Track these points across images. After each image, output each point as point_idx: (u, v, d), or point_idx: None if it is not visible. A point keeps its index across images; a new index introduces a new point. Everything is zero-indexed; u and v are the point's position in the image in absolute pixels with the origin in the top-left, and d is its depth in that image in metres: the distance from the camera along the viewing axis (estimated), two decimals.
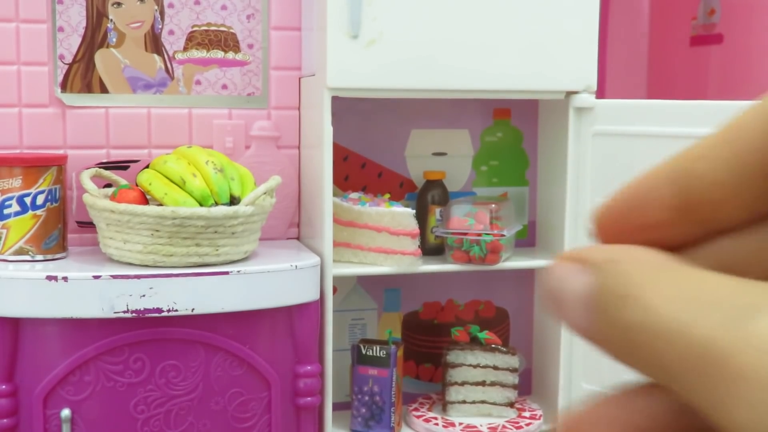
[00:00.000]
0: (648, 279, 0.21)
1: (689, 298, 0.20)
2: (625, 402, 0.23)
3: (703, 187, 0.23)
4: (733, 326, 0.19)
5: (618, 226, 0.25)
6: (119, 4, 1.71)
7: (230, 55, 1.77)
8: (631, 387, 0.23)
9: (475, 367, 1.75)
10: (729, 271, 0.23)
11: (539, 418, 1.75)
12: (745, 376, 0.18)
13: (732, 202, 0.23)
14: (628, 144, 1.58)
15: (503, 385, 1.76)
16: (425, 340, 1.91)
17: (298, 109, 1.80)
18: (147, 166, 1.58)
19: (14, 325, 1.42)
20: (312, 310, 1.56)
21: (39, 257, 1.53)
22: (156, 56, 1.74)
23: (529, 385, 1.95)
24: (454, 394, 1.76)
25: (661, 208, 0.24)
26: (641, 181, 0.25)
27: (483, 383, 1.75)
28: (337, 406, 1.73)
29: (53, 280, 1.40)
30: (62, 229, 1.56)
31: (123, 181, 1.61)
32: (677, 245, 0.24)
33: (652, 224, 0.24)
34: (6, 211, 1.52)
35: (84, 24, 1.69)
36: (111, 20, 1.70)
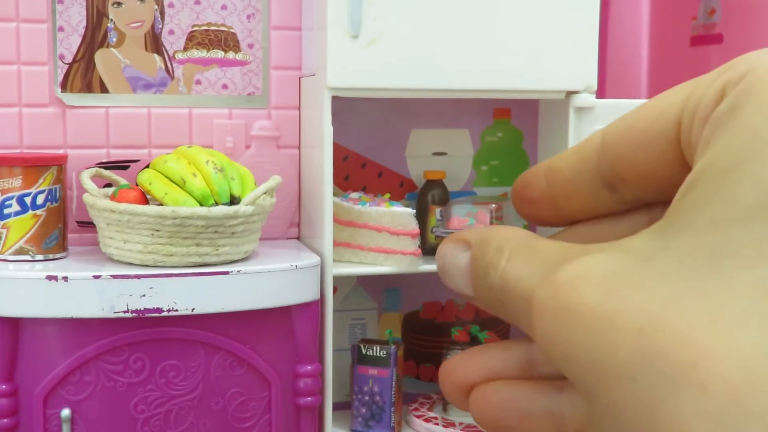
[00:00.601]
0: (504, 251, 0.27)
1: (527, 261, 0.26)
2: (486, 350, 0.30)
3: (558, 180, 0.30)
4: (543, 276, 0.24)
5: (517, 196, 0.33)
6: (119, 3, 1.71)
7: (230, 54, 1.77)
8: (497, 342, 0.30)
9: None
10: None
11: None
12: (538, 308, 0.24)
13: (575, 196, 0.30)
14: None
15: None
16: (425, 340, 1.91)
17: (299, 108, 1.80)
18: (147, 166, 1.58)
19: (14, 325, 1.42)
20: (312, 310, 1.56)
21: (39, 257, 1.53)
22: (156, 56, 1.74)
23: None
24: None
25: (536, 189, 0.31)
26: (534, 167, 0.32)
27: None
28: (337, 406, 1.72)
29: (53, 280, 1.40)
30: (62, 229, 1.56)
31: (123, 181, 1.61)
32: (550, 222, 0.32)
33: (532, 201, 0.32)
34: (6, 211, 1.52)
35: (84, 24, 1.69)
36: (111, 20, 1.70)
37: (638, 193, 0.28)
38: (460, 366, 0.30)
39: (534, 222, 0.33)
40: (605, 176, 0.28)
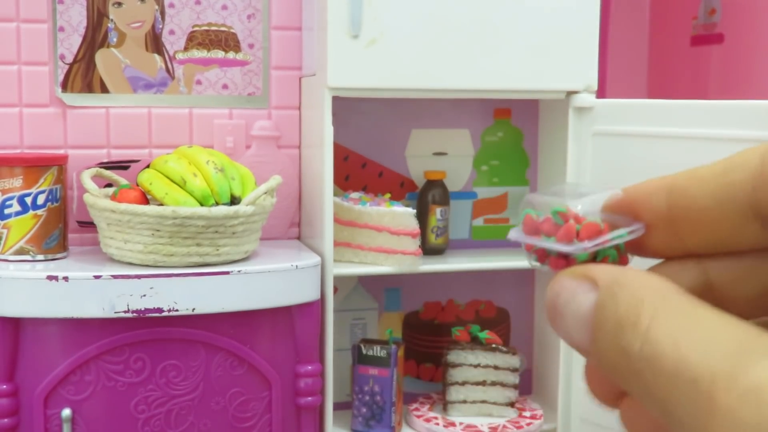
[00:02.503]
0: (646, 305, 0.22)
1: (692, 336, 0.20)
2: None
3: (690, 206, 0.25)
4: (728, 369, 0.19)
5: (623, 210, 0.27)
6: (120, 3, 1.71)
7: (231, 54, 1.77)
8: None
9: (475, 366, 1.75)
10: (713, 289, 0.25)
11: (540, 418, 1.75)
12: (723, 416, 0.19)
13: (709, 226, 0.25)
14: (627, 144, 1.58)
15: (504, 385, 1.76)
16: (426, 340, 1.91)
17: (299, 108, 1.80)
18: (147, 166, 1.58)
19: (15, 324, 1.43)
20: (313, 310, 1.56)
21: (40, 257, 1.53)
22: (156, 56, 1.74)
23: (530, 384, 1.95)
24: (454, 393, 1.76)
25: (652, 211, 0.26)
26: (646, 183, 0.27)
27: (483, 383, 1.75)
28: (337, 406, 1.73)
29: (54, 280, 1.40)
30: (63, 229, 1.57)
31: (123, 181, 1.61)
32: (659, 251, 0.27)
33: (649, 220, 0.26)
34: (7, 211, 1.52)
35: (84, 24, 1.69)
36: (111, 20, 1.70)
37: None
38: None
39: (634, 249, 0.28)
40: (762, 209, 0.24)
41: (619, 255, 0.27)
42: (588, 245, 0.27)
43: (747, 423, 0.18)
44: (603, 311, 0.23)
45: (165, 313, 1.43)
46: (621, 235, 0.27)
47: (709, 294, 0.25)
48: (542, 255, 0.29)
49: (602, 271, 0.24)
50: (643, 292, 0.22)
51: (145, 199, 1.52)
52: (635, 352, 0.21)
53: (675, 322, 0.21)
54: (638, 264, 0.28)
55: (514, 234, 0.30)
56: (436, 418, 1.75)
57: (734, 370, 0.19)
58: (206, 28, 1.75)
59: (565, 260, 0.27)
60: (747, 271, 0.25)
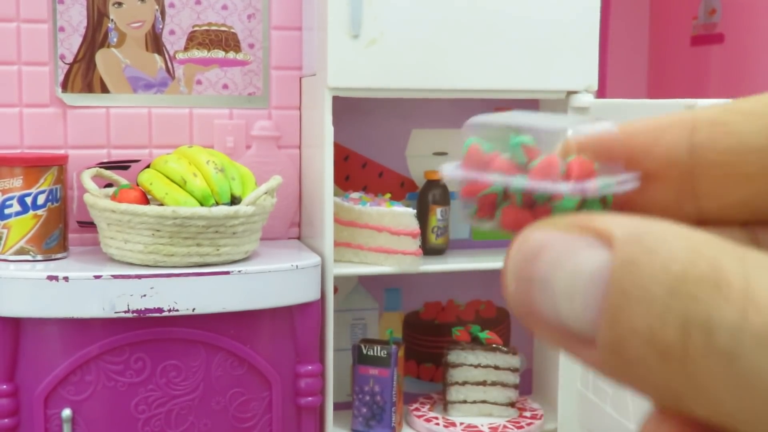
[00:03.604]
0: (737, 264, 0.15)
1: None
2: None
3: (732, 148, 0.17)
4: None
5: (606, 158, 0.19)
6: (120, 3, 1.71)
7: (231, 54, 1.77)
8: None
9: (475, 366, 1.75)
10: None
11: (540, 418, 1.75)
12: None
13: (754, 182, 0.17)
14: None
15: (504, 385, 1.76)
16: (426, 340, 1.91)
17: (299, 108, 1.80)
18: (148, 166, 1.58)
19: (15, 325, 1.43)
20: (313, 310, 1.56)
21: (40, 257, 1.53)
22: (157, 56, 1.74)
23: (530, 384, 1.95)
24: (454, 393, 1.76)
25: (664, 156, 0.18)
26: (651, 120, 0.19)
27: (484, 383, 1.75)
28: (337, 406, 1.73)
29: (54, 280, 1.40)
30: (63, 229, 1.57)
31: (124, 181, 1.61)
32: (653, 215, 0.18)
33: (652, 169, 0.18)
34: (7, 211, 1.52)
35: (85, 24, 1.69)
36: (112, 20, 1.70)
37: None
38: None
39: (619, 209, 0.19)
40: None
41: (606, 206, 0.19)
42: (589, 186, 0.18)
43: None
44: (636, 270, 0.15)
45: (165, 313, 1.43)
46: (610, 184, 0.19)
47: None
48: (488, 204, 0.20)
49: (610, 221, 0.16)
50: (701, 245, 0.15)
51: (145, 199, 1.52)
52: (729, 324, 0.14)
53: None
54: None
55: (449, 170, 0.20)
56: (436, 418, 1.75)
57: None
58: (206, 28, 1.75)
59: (530, 212, 0.19)
60: None
